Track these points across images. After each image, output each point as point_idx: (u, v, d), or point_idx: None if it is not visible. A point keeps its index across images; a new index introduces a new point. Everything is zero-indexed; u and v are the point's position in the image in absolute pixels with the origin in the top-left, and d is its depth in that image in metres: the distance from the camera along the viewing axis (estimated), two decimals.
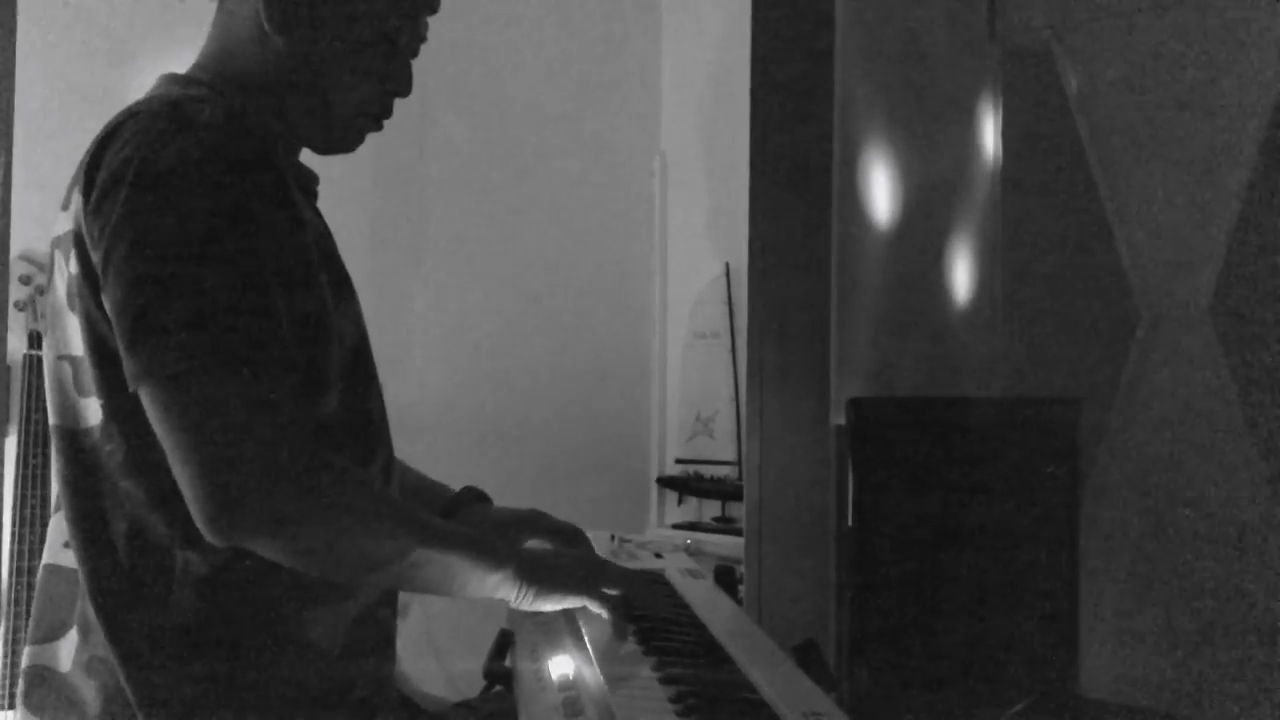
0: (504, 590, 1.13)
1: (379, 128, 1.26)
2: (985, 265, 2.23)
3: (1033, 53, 2.26)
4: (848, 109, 2.24)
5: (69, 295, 1.11)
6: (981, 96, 2.27)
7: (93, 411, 1.10)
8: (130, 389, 1.02)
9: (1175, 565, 1.97)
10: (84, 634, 1.12)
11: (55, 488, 1.18)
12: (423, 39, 1.25)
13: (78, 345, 1.10)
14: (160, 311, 1.00)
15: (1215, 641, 1.91)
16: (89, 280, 1.06)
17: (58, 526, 1.16)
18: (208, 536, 0.99)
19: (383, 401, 1.24)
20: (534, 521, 1.43)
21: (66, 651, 1.13)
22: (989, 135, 2.27)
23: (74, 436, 1.12)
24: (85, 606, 1.12)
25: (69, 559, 1.14)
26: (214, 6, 1.21)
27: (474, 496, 1.47)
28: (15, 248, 2.28)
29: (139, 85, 1.20)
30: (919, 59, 2.26)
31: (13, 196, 2.20)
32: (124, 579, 1.09)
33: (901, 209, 2.20)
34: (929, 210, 2.23)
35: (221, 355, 0.99)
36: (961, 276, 2.23)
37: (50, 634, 1.15)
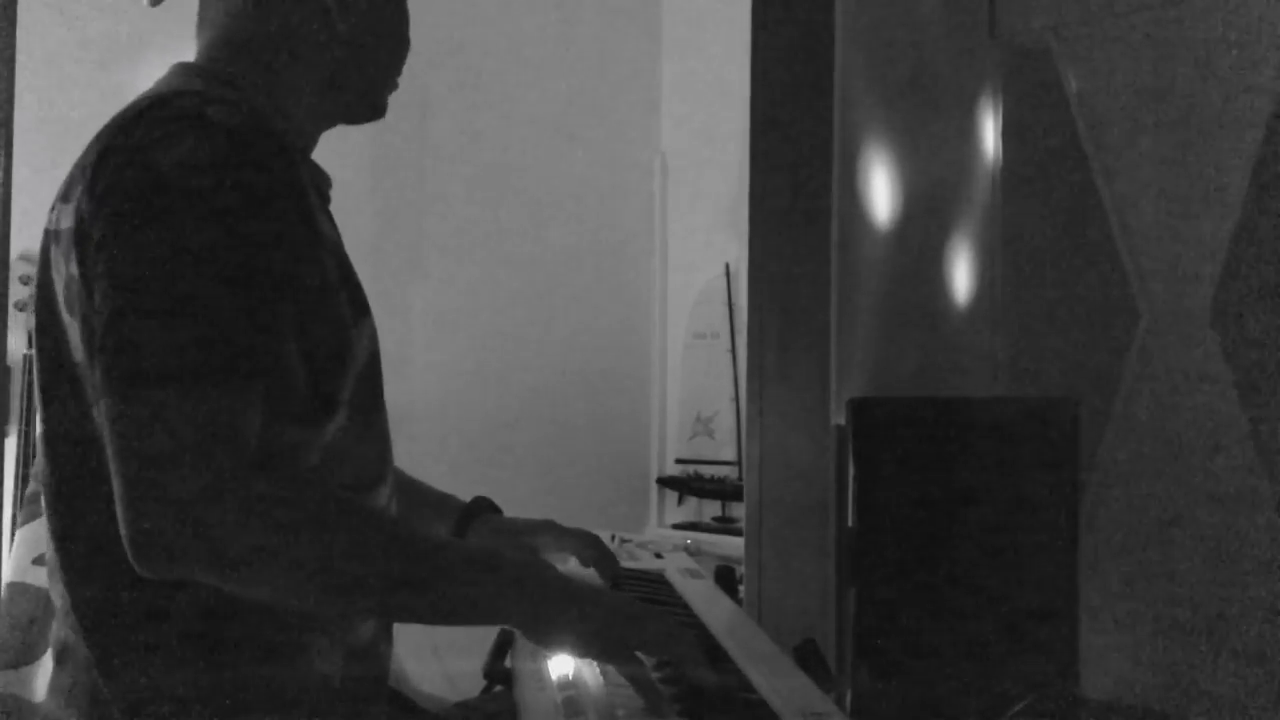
0: (514, 624, 1.03)
1: (395, 86, 1.24)
2: (985, 265, 2.23)
3: (1033, 53, 2.26)
4: (848, 109, 2.24)
5: (68, 298, 1.04)
6: (981, 96, 2.27)
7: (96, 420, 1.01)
8: (94, 395, 0.95)
9: (1175, 565, 1.97)
10: (60, 661, 1.04)
11: (30, 500, 1.09)
12: None
13: (77, 350, 1.03)
14: (135, 320, 0.93)
15: (1215, 642, 1.91)
16: (87, 282, 0.99)
17: (25, 542, 1.09)
18: (133, 564, 0.91)
19: (386, 423, 1.17)
20: (546, 529, 1.39)
21: (42, 679, 1.05)
22: (989, 135, 2.27)
23: (73, 446, 1.04)
24: (63, 631, 1.04)
25: (37, 577, 1.06)
26: None
27: (485, 507, 1.42)
28: (15, 248, 2.27)
29: (140, 83, 1.16)
30: (919, 59, 2.26)
31: (13, 196, 2.20)
32: (119, 601, 1.02)
33: (901, 209, 2.20)
34: (929, 210, 2.23)
35: (186, 370, 0.91)
36: (961, 276, 2.23)
37: (18, 659, 1.07)
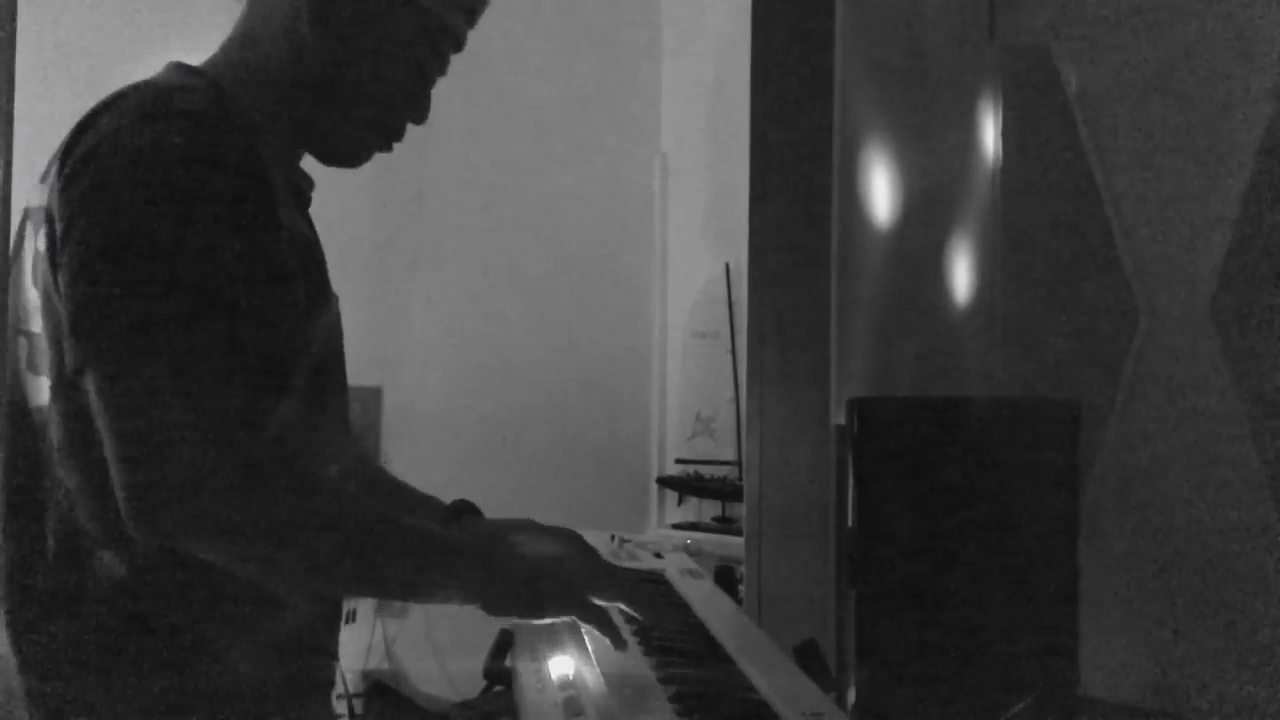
0: (477, 601, 1.07)
1: (388, 149, 1.24)
2: (985, 265, 2.23)
3: (1033, 53, 2.26)
4: (848, 109, 2.24)
5: (33, 270, 1.09)
6: (981, 96, 2.27)
7: (42, 391, 1.07)
8: (68, 372, 1.00)
9: (1175, 565, 1.97)
10: None
11: None
12: (444, 73, 1.24)
13: (36, 321, 1.08)
14: (107, 296, 0.97)
15: (1215, 641, 1.91)
16: (51, 257, 1.04)
17: None
18: (131, 532, 0.96)
19: (346, 417, 1.22)
20: (525, 528, 1.39)
21: None
22: (989, 135, 2.27)
23: (21, 414, 1.09)
24: None
25: None
26: (238, 5, 1.19)
27: (466, 509, 1.43)
28: None
29: (146, 74, 1.19)
30: (919, 59, 2.26)
31: (13, 196, 2.20)
32: (42, 577, 1.05)
33: (901, 209, 2.20)
34: (929, 210, 2.23)
35: (167, 346, 0.96)
36: (961, 277, 2.23)
37: None
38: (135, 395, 0.96)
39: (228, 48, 1.19)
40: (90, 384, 0.98)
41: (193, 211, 1.00)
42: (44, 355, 1.07)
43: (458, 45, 1.24)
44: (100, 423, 0.97)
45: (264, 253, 1.05)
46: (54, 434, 1.06)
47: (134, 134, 1.02)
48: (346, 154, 1.22)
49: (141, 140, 1.01)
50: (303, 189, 1.22)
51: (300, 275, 1.11)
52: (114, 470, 0.96)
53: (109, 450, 0.96)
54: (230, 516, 0.96)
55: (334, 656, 1.22)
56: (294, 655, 1.14)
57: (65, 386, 1.04)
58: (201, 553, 0.99)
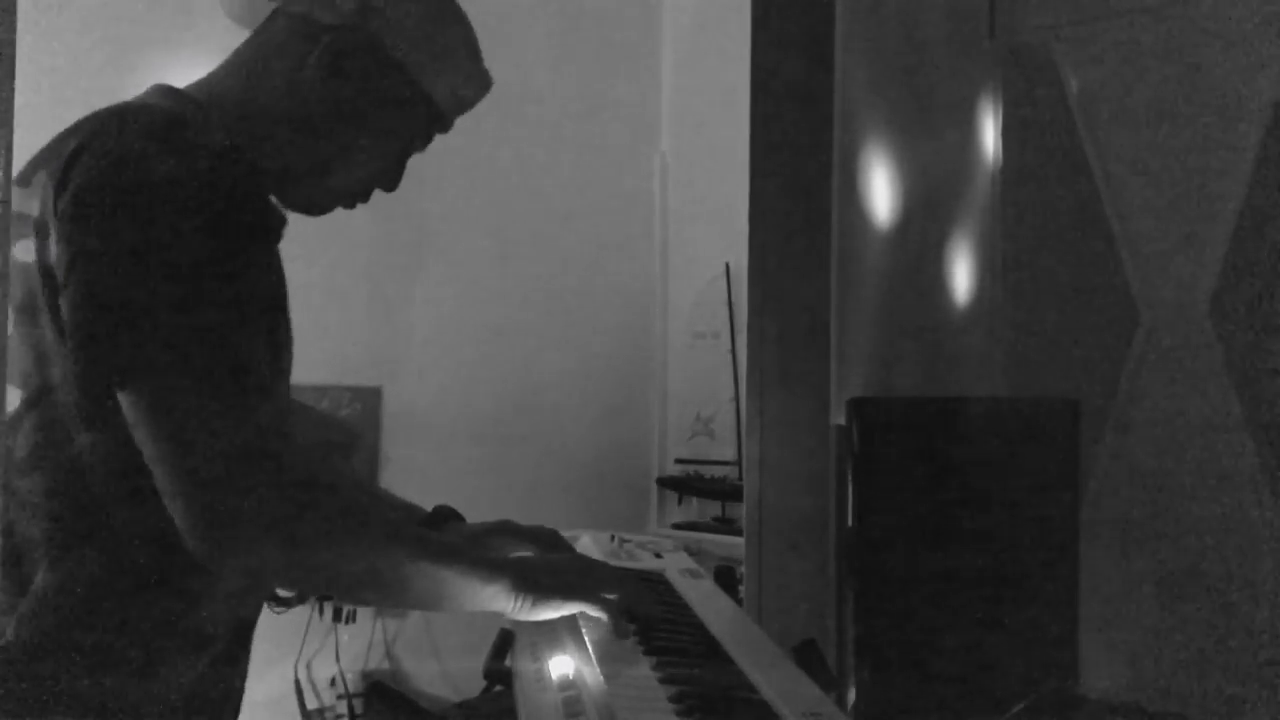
0: (499, 602, 1.12)
1: (351, 207, 1.28)
2: (985, 265, 2.23)
3: (1033, 53, 2.26)
4: (848, 109, 2.24)
5: (10, 280, 1.08)
6: (981, 96, 2.27)
7: (11, 401, 1.08)
8: (73, 390, 1.01)
9: (1175, 565, 1.97)
10: None
11: None
12: (423, 150, 1.29)
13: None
14: (131, 314, 0.98)
15: (1215, 641, 1.91)
16: (44, 272, 1.04)
17: None
18: (196, 555, 0.98)
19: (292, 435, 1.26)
20: (505, 529, 1.42)
21: None
22: (989, 135, 2.27)
23: None
24: None
25: None
26: (239, 29, 1.21)
27: (447, 515, 1.47)
28: None
29: (138, 87, 1.19)
30: (919, 59, 2.26)
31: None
32: None
33: (901, 209, 2.20)
34: (929, 210, 2.23)
35: (202, 367, 0.98)
36: (961, 276, 2.23)
37: None
38: (185, 416, 0.97)
39: (222, 75, 1.19)
40: (130, 400, 0.98)
41: (211, 246, 1.01)
42: (14, 366, 1.07)
43: (444, 128, 1.28)
44: (143, 438, 0.98)
45: (262, 291, 1.09)
46: (21, 442, 1.06)
47: (151, 166, 1.02)
48: (312, 203, 1.25)
49: (160, 173, 1.01)
50: (277, 227, 1.24)
51: (275, 312, 1.15)
52: (171, 495, 0.97)
53: (161, 472, 0.97)
54: (292, 532, 1.00)
55: (242, 668, 1.24)
56: (208, 668, 1.16)
57: (42, 396, 1.05)
58: (262, 569, 1.02)
